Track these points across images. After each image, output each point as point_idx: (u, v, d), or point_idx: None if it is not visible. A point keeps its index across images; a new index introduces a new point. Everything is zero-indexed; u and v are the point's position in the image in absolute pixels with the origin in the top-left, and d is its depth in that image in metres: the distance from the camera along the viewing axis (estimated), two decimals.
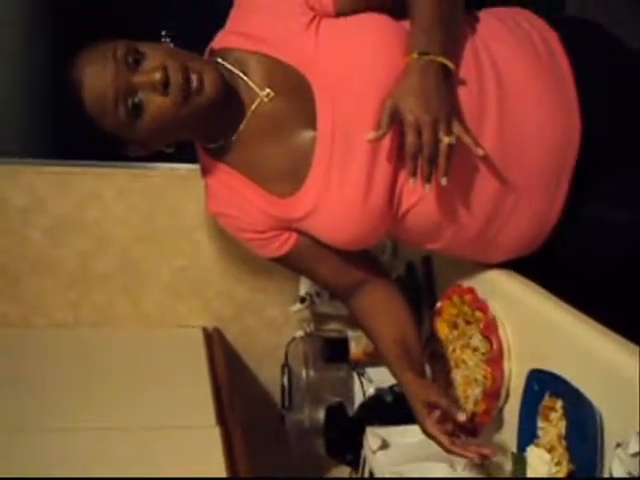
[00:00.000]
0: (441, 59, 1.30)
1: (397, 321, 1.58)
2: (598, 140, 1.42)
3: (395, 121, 1.29)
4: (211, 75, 1.38)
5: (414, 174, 1.28)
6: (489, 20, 1.48)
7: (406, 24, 1.40)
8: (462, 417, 1.34)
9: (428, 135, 1.25)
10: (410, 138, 1.26)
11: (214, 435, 1.78)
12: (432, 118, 1.26)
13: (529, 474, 1.30)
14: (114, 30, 1.46)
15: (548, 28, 1.47)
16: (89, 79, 1.37)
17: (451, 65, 1.31)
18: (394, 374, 1.54)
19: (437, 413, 1.38)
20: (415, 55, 1.30)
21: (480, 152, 1.30)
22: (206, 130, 1.49)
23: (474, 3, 1.51)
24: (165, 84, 1.35)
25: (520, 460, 1.33)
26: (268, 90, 1.43)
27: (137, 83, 1.36)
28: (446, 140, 1.25)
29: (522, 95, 1.40)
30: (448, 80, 1.31)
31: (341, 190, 1.41)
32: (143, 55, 1.38)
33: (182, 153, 1.58)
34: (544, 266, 1.52)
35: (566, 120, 1.41)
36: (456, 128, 1.28)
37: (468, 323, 1.58)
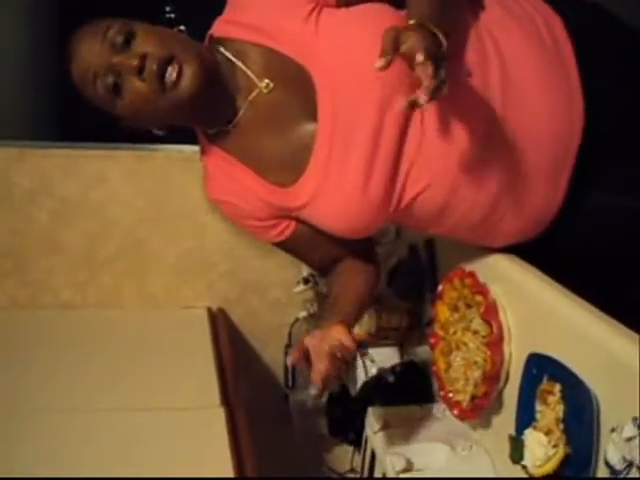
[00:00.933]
0: (434, 29, 1.23)
1: (347, 278, 1.60)
2: (601, 127, 1.43)
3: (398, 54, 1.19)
4: (191, 69, 1.36)
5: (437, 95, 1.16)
6: (493, 7, 1.47)
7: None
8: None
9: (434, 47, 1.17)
10: (426, 42, 1.17)
11: (218, 415, 1.80)
12: (436, 47, 1.19)
13: (526, 456, 1.33)
14: (119, 6, 1.47)
15: (552, 13, 1.47)
16: (77, 53, 1.40)
17: (442, 38, 1.23)
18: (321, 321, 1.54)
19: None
20: (412, 22, 1.24)
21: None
22: (200, 117, 1.48)
23: None
24: (140, 70, 1.35)
25: (518, 442, 1.35)
26: (267, 81, 1.44)
27: (116, 64, 1.37)
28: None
29: (526, 82, 1.40)
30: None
31: (340, 180, 1.41)
32: (134, 37, 1.39)
33: (187, 134, 1.60)
34: (546, 251, 1.53)
35: (569, 107, 1.42)
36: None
37: (469, 306, 1.59)
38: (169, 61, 1.36)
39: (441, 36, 1.25)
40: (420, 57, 1.15)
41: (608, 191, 1.49)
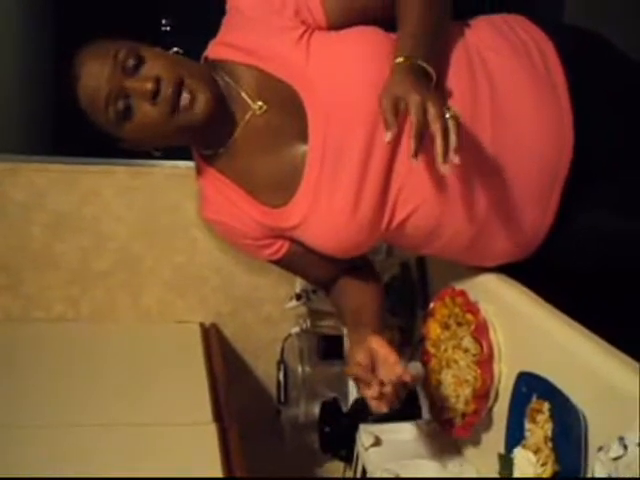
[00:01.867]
0: (423, 64, 1.29)
1: (358, 291, 1.62)
2: (591, 151, 1.44)
3: (398, 113, 1.23)
4: (204, 96, 1.39)
5: (416, 155, 1.19)
6: (484, 29, 1.49)
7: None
8: (402, 372, 1.33)
9: (436, 109, 1.19)
10: (418, 116, 1.19)
11: (210, 432, 1.80)
12: (436, 94, 1.23)
13: (515, 474, 1.34)
14: (116, 20, 1.49)
15: (545, 38, 1.47)
16: (86, 75, 1.40)
17: (431, 71, 1.29)
18: (349, 337, 1.55)
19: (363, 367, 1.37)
20: (400, 59, 1.29)
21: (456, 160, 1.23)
22: (197, 139, 1.51)
23: (471, 9, 1.53)
24: (154, 95, 1.37)
25: (507, 461, 1.36)
26: (260, 103, 1.45)
27: (129, 88, 1.38)
28: (448, 114, 1.20)
29: (516, 106, 1.41)
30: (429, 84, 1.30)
31: (331, 202, 1.43)
32: (143, 60, 1.40)
33: (180, 150, 1.61)
34: (537, 271, 1.54)
35: (559, 132, 1.42)
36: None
37: (459, 324, 1.60)
38: (180, 85, 1.38)
39: (430, 69, 1.29)
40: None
41: (598, 211, 1.51)
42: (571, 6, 2.72)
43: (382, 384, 1.33)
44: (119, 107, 1.39)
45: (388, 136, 1.21)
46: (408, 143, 1.25)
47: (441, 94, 1.29)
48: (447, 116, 1.20)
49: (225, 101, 1.45)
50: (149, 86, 1.37)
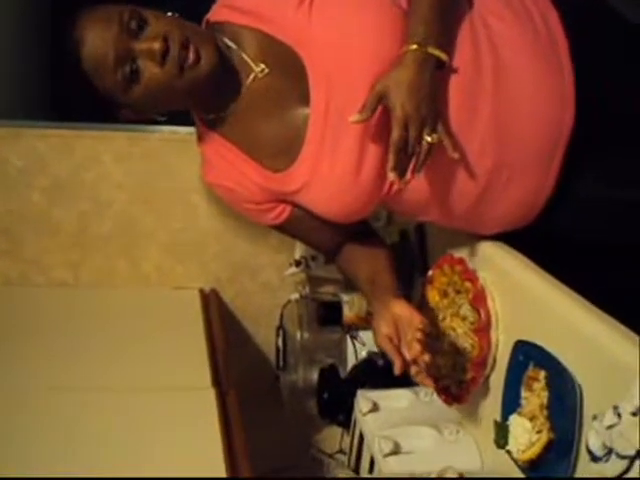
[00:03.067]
0: (437, 52, 1.31)
1: (369, 257, 1.62)
2: (593, 118, 1.43)
3: (381, 105, 1.31)
4: (209, 50, 1.39)
5: (394, 168, 1.29)
6: None
7: (402, 1, 1.41)
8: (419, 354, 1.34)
9: (415, 133, 1.28)
10: (397, 132, 1.28)
11: (209, 397, 1.81)
12: (421, 116, 1.28)
13: (511, 441, 1.35)
14: None
15: (549, 4, 1.47)
16: (91, 38, 1.38)
17: (445, 58, 1.33)
18: (370, 306, 1.57)
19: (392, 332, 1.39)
20: (413, 46, 1.31)
21: (456, 156, 1.32)
22: (201, 102, 1.51)
23: None
24: (164, 54, 1.37)
25: (502, 428, 1.38)
26: (262, 65, 1.45)
27: (138, 50, 1.38)
28: (429, 140, 1.29)
29: (519, 73, 1.41)
30: (440, 72, 1.33)
31: (333, 166, 1.43)
32: (146, 22, 1.40)
33: (180, 116, 1.61)
34: (536, 239, 1.54)
35: (561, 98, 1.42)
36: (440, 128, 1.31)
37: (458, 292, 1.61)
38: (187, 43, 1.37)
39: (443, 55, 1.32)
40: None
41: (599, 180, 1.51)
42: None
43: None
44: (126, 70, 1.38)
45: (354, 117, 1.30)
46: None
47: (435, 109, 1.32)
48: (428, 139, 1.28)
49: (227, 63, 1.45)
50: (157, 45, 1.36)
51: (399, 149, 1.28)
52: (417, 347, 1.33)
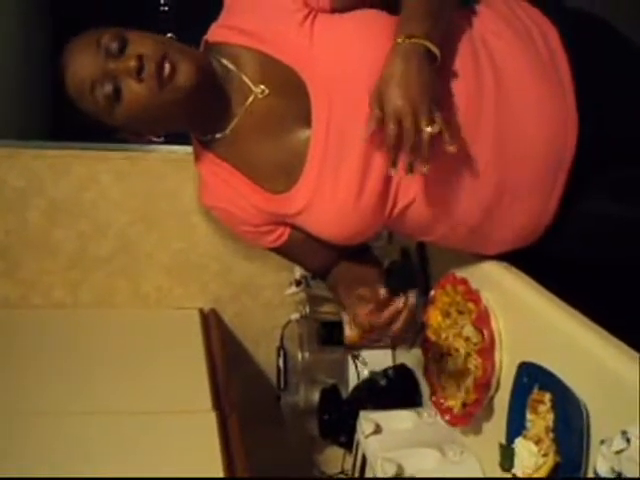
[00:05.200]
0: (426, 42, 1.27)
1: (355, 267, 1.58)
2: (596, 136, 1.42)
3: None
4: (186, 66, 1.37)
5: (394, 164, 1.25)
6: (487, 14, 1.47)
7: None
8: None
9: (409, 125, 1.22)
10: (388, 128, 1.23)
11: (210, 420, 1.80)
12: (412, 107, 1.23)
13: (517, 465, 1.33)
14: (114, 9, 1.47)
15: (548, 23, 1.46)
16: (71, 64, 1.39)
17: (435, 50, 1.28)
18: (340, 302, 1.54)
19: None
20: (400, 39, 1.27)
21: (452, 149, 1.26)
22: (197, 123, 1.49)
23: None
24: (139, 70, 1.35)
25: (508, 451, 1.36)
26: (262, 86, 1.44)
27: (113, 69, 1.37)
28: (428, 130, 1.23)
29: (520, 93, 1.39)
30: (432, 66, 1.29)
31: (334, 189, 1.41)
32: (127, 42, 1.38)
33: (179, 135, 1.60)
34: (539, 258, 1.53)
35: (563, 118, 1.41)
36: (437, 117, 1.25)
37: (460, 313, 1.60)
38: (164, 59, 1.36)
39: (434, 48, 1.27)
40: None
41: (601, 198, 1.50)
42: None
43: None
44: (106, 90, 1.37)
45: (363, 132, 1.27)
46: None
47: (436, 96, 1.28)
48: (428, 130, 1.23)
49: (221, 84, 1.44)
50: (132, 64, 1.35)
51: (393, 145, 1.23)
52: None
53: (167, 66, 1.35)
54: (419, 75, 1.26)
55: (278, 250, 1.59)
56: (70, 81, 1.39)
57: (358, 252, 1.60)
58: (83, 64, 1.38)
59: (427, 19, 1.31)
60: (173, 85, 1.36)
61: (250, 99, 1.44)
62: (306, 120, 1.41)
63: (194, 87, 1.38)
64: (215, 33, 1.49)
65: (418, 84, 1.25)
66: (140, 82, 1.36)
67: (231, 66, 1.45)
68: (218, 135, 1.48)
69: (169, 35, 1.45)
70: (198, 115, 1.45)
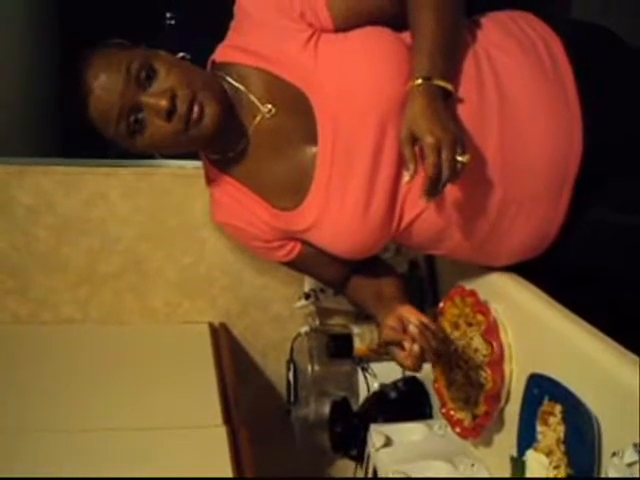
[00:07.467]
0: (442, 83, 1.31)
1: (375, 279, 1.62)
2: (601, 148, 1.42)
3: (417, 147, 1.27)
4: (213, 109, 1.39)
5: (432, 194, 1.26)
6: (492, 27, 1.47)
7: (406, 37, 1.40)
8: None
9: (448, 155, 1.23)
10: (432, 159, 1.23)
11: (220, 435, 1.79)
12: (451, 136, 1.25)
13: (528, 477, 1.33)
14: (121, 15, 1.48)
15: (553, 35, 1.46)
16: (98, 88, 1.38)
17: (451, 88, 1.32)
18: (378, 318, 1.54)
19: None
20: (418, 81, 1.30)
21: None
22: (210, 146, 1.51)
23: (479, 5, 1.52)
24: (170, 112, 1.37)
25: (519, 463, 1.36)
26: (269, 106, 1.45)
27: (144, 102, 1.38)
28: (461, 160, 1.24)
29: (524, 106, 1.40)
30: (447, 101, 1.32)
31: (341, 205, 1.43)
32: (156, 73, 1.40)
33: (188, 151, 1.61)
34: (548, 269, 1.53)
35: (568, 132, 1.41)
36: (466, 147, 1.27)
37: (470, 325, 1.60)
38: (193, 100, 1.38)
39: (449, 86, 1.32)
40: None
41: (608, 208, 1.50)
42: (579, 1, 2.69)
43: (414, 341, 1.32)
44: (131, 121, 1.39)
45: (406, 177, 1.26)
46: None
47: (459, 130, 1.30)
48: (460, 159, 1.24)
49: (234, 107, 1.45)
50: (164, 103, 1.36)
51: (436, 176, 1.24)
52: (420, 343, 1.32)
53: (196, 110, 1.38)
54: (445, 111, 1.29)
55: (290, 264, 1.60)
56: (95, 104, 1.39)
57: (370, 261, 1.61)
58: (112, 90, 1.38)
59: (441, 55, 1.34)
60: (199, 128, 1.39)
61: (258, 118, 1.46)
62: (313, 138, 1.42)
63: (218, 128, 1.41)
64: (222, 53, 1.50)
65: (446, 118, 1.28)
66: (167, 122, 1.37)
67: (239, 86, 1.46)
68: (228, 154, 1.50)
69: (181, 55, 1.46)
70: (215, 141, 1.47)
